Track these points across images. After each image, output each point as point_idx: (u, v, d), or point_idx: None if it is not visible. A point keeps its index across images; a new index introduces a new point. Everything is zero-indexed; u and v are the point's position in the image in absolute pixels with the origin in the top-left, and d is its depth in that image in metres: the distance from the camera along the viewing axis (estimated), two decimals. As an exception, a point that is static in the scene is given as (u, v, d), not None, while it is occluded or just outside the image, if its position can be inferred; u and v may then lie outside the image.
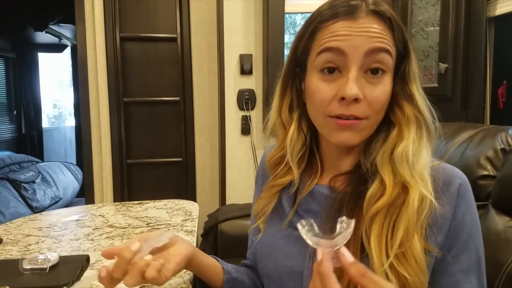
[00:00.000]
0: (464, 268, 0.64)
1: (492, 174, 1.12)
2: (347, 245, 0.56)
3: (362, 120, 0.64)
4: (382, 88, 0.64)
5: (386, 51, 0.63)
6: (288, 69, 0.73)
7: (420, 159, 0.64)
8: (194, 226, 1.28)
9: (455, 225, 0.64)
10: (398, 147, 0.65)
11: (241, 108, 2.15)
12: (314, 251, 0.67)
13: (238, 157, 2.18)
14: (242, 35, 2.11)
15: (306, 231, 0.51)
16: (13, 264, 0.89)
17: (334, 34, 0.63)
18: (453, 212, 0.65)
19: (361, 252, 0.62)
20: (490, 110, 1.67)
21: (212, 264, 0.80)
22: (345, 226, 0.50)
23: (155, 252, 0.67)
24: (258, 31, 2.10)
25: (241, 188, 2.15)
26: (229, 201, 2.18)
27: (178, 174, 2.54)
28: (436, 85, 1.77)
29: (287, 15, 2.10)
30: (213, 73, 2.45)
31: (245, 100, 2.13)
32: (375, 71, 0.63)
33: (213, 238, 1.93)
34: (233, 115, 2.16)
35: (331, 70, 0.64)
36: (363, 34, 0.62)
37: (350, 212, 0.65)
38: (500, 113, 1.64)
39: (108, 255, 0.64)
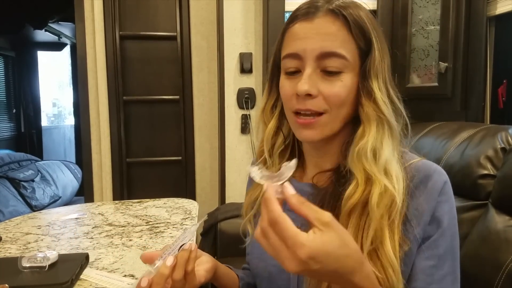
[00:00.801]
0: (440, 254, 0.66)
1: (492, 173, 1.12)
2: None
3: (321, 116, 0.67)
4: (340, 84, 0.67)
5: (337, 55, 0.65)
6: (272, 69, 0.78)
7: (382, 154, 0.65)
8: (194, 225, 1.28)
9: (435, 218, 0.66)
10: (359, 144, 0.66)
11: (241, 107, 2.15)
12: None
13: (238, 156, 2.18)
14: (242, 34, 2.11)
15: (256, 170, 0.55)
16: (12, 262, 0.89)
17: (293, 37, 0.69)
18: (435, 206, 0.66)
19: None
20: (490, 110, 1.67)
21: (230, 273, 0.85)
22: (288, 164, 0.53)
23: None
24: (258, 30, 2.10)
25: (241, 187, 2.15)
26: (228, 200, 2.18)
27: (178, 173, 2.53)
28: (436, 84, 1.77)
29: (287, 14, 2.09)
30: (213, 72, 2.44)
31: (245, 99, 2.13)
32: (329, 72, 0.67)
33: (213, 237, 1.93)
34: (233, 114, 2.16)
35: (293, 72, 0.69)
36: (316, 36, 0.66)
37: (331, 210, 0.66)
38: (500, 112, 1.64)
39: (148, 260, 0.65)
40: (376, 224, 0.62)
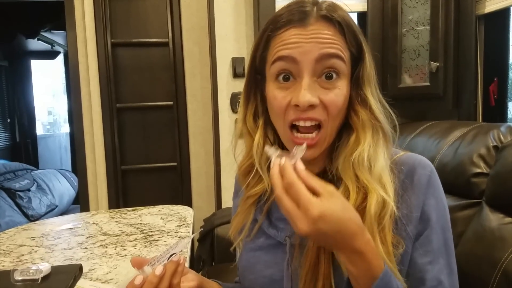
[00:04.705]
0: (433, 249, 0.66)
1: (485, 171, 1.12)
2: (318, 252, 0.63)
3: (321, 131, 0.65)
4: (338, 92, 0.64)
5: (337, 56, 0.63)
6: (249, 77, 0.74)
7: (377, 163, 0.65)
8: (189, 232, 1.28)
9: (425, 213, 0.66)
10: (355, 152, 0.66)
11: (234, 111, 2.15)
12: (291, 258, 0.70)
13: (233, 161, 2.17)
14: (233, 39, 2.11)
15: (273, 149, 0.61)
16: (4, 276, 0.88)
17: (286, 42, 0.64)
18: (423, 202, 0.66)
19: (332, 258, 0.63)
20: (482, 108, 1.68)
21: None
22: (300, 147, 0.62)
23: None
24: (250, 35, 2.10)
25: (237, 191, 2.14)
26: (225, 205, 2.17)
27: (173, 179, 2.53)
28: (428, 83, 1.77)
29: (278, 18, 2.09)
30: (206, 77, 2.44)
31: (238, 103, 2.12)
32: (329, 77, 0.64)
33: (210, 242, 1.93)
34: (227, 119, 2.16)
35: (286, 78, 0.65)
36: (312, 41, 0.62)
37: None
38: (492, 110, 1.65)
39: (137, 265, 0.64)
40: (370, 231, 0.61)
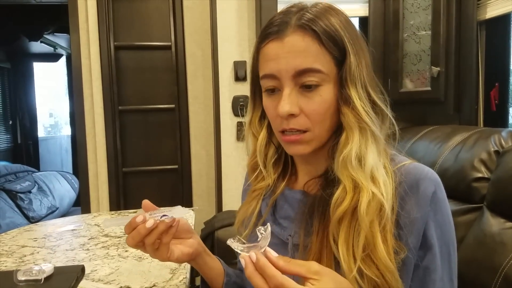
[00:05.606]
0: (437, 265, 0.66)
1: (486, 176, 1.12)
2: (320, 253, 0.63)
3: (305, 133, 0.68)
4: (319, 100, 0.66)
5: (312, 70, 0.65)
6: (252, 83, 0.77)
7: (367, 161, 0.65)
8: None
9: (429, 229, 0.66)
10: (344, 152, 0.66)
11: (236, 114, 2.15)
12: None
13: (234, 163, 2.18)
14: (235, 42, 2.12)
15: (236, 244, 0.56)
16: (7, 276, 0.89)
17: (266, 58, 0.68)
18: (427, 217, 0.65)
19: (334, 259, 0.64)
20: (483, 113, 1.68)
21: (215, 266, 0.83)
22: (264, 231, 0.56)
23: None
24: (252, 38, 2.11)
25: (237, 194, 2.12)
26: (225, 208, 2.17)
27: (174, 182, 2.53)
28: (429, 88, 1.78)
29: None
30: (208, 80, 2.45)
31: (240, 106, 2.13)
32: (308, 86, 0.66)
33: (210, 245, 1.93)
34: (228, 122, 2.16)
35: (272, 91, 0.69)
36: (288, 55, 0.65)
37: (321, 217, 0.68)
38: (493, 115, 1.66)
39: (145, 208, 0.69)
40: (366, 231, 0.62)
